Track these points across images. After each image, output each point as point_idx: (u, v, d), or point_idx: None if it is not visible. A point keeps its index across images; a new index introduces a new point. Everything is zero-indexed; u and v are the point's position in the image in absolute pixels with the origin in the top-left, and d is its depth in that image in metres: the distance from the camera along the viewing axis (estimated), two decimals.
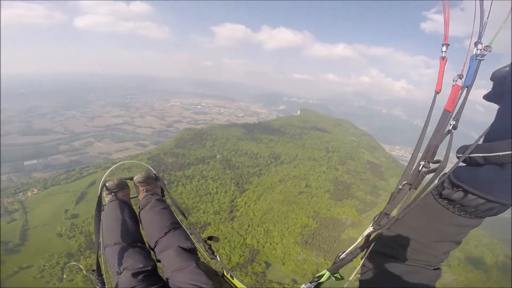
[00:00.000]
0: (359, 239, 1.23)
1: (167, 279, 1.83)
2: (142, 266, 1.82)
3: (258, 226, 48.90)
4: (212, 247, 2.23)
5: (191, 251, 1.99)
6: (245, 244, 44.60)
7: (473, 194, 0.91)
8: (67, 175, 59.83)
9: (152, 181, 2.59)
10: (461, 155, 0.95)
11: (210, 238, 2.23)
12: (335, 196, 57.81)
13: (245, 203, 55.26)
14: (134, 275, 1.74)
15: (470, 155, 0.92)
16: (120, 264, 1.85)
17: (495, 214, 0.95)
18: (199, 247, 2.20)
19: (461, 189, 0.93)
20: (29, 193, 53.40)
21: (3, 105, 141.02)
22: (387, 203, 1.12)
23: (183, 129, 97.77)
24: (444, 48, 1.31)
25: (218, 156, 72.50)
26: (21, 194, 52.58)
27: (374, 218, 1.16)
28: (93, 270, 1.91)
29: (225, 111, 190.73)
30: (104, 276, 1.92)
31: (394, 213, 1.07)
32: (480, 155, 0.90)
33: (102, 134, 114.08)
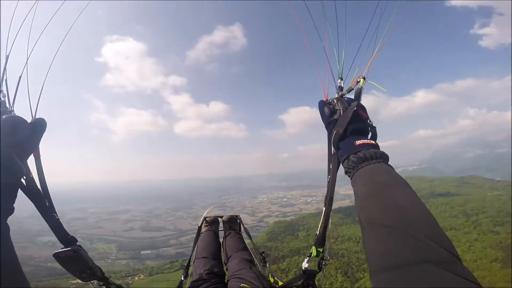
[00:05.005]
0: (322, 216, 1.45)
1: (227, 281, 2.38)
2: (216, 270, 2.50)
3: None
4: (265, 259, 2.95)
5: (250, 262, 2.63)
6: None
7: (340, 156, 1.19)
8: (171, 265, 64.55)
9: (233, 220, 3.56)
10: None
11: (263, 252, 2.97)
12: None
13: None
14: (208, 274, 2.40)
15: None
16: (203, 268, 2.53)
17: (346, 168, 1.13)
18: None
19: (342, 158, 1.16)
20: (136, 278, 60.23)
21: (131, 207, 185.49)
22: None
23: (273, 223, 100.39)
24: None
25: None
26: (129, 278, 59.91)
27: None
28: (185, 266, 2.85)
29: (312, 200, 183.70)
30: (188, 271, 2.81)
31: None
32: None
33: None
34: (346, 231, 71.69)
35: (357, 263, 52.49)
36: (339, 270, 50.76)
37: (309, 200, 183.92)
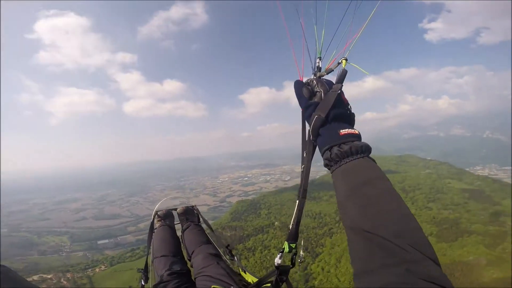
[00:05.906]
0: (295, 209, 1.28)
1: (195, 279, 2.25)
2: (179, 269, 2.35)
3: None
4: (232, 251, 2.65)
5: (216, 256, 2.49)
6: None
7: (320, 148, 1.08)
8: (132, 253, 62.39)
9: (190, 211, 3.33)
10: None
11: (228, 245, 2.71)
12: (444, 238, 47.36)
13: (322, 268, 47.34)
14: (171, 274, 2.26)
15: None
16: (164, 268, 2.37)
17: (326, 160, 1.04)
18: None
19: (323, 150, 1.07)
20: (97, 269, 58.38)
21: (79, 195, 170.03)
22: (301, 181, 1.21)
23: (236, 202, 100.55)
24: None
25: (276, 223, 68.75)
26: (89, 270, 57.56)
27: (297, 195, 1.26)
28: (142, 269, 2.65)
29: (271, 178, 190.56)
30: (148, 274, 2.63)
31: None
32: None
33: None
34: None
35: (315, 239, 56.84)
36: (300, 246, 55.13)
37: (268, 179, 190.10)
